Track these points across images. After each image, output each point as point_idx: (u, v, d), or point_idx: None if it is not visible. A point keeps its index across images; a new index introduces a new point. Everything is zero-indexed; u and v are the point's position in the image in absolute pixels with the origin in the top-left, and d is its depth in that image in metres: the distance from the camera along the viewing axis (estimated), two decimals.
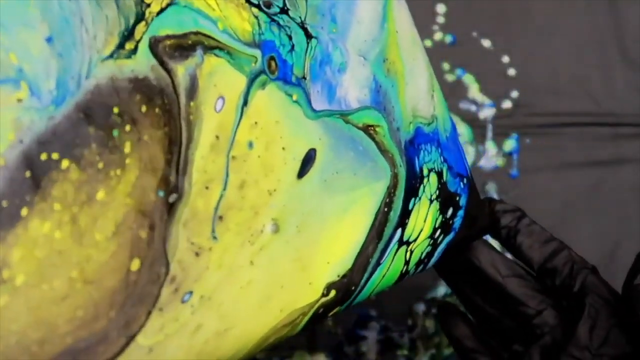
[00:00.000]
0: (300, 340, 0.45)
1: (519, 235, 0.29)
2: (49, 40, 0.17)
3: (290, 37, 0.24)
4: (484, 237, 0.31)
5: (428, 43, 0.50)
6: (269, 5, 0.23)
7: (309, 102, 0.24)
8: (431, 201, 0.29)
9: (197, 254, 0.20)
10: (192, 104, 0.20)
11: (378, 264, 0.27)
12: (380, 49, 0.27)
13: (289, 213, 0.23)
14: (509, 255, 0.32)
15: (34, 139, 0.17)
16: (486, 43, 0.50)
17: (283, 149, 0.23)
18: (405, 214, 0.28)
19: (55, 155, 0.17)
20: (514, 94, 0.50)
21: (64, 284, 0.17)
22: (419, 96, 0.29)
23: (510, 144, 0.49)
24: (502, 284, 0.29)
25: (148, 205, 0.19)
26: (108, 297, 0.18)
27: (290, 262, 0.23)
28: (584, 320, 0.27)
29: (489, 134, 0.50)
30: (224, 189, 0.21)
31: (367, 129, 0.26)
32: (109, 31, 0.19)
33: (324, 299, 0.25)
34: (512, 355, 0.29)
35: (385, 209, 0.27)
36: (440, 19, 0.50)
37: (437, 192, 0.29)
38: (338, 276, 0.25)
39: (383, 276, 0.27)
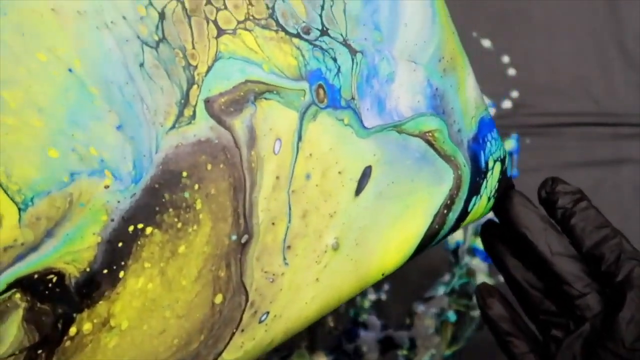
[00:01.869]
0: (300, 340, 0.46)
1: (573, 218, 0.29)
2: (119, 127, 0.21)
3: (335, 59, 0.24)
4: (544, 213, 0.30)
5: None
6: (307, 31, 0.24)
7: (361, 121, 0.25)
8: (489, 199, 0.30)
9: (272, 281, 0.24)
10: (252, 152, 0.23)
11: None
12: (434, 48, 0.27)
13: (348, 230, 0.26)
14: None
15: (121, 216, 0.21)
16: (486, 43, 0.50)
17: (339, 173, 0.25)
18: (464, 215, 0.28)
19: (140, 225, 0.21)
20: (514, 94, 0.50)
21: (160, 322, 0.22)
22: (476, 84, 0.29)
23: (510, 144, 0.49)
24: (549, 261, 0.28)
25: (223, 249, 0.23)
26: (198, 326, 0.23)
27: (349, 273, 0.26)
28: (624, 313, 0.26)
29: None
30: (289, 221, 0.24)
31: (424, 136, 0.27)
32: (167, 103, 0.21)
33: None
34: (549, 340, 0.29)
35: (445, 211, 0.28)
36: None
37: (497, 185, 0.30)
38: (382, 275, 0.27)
39: None
